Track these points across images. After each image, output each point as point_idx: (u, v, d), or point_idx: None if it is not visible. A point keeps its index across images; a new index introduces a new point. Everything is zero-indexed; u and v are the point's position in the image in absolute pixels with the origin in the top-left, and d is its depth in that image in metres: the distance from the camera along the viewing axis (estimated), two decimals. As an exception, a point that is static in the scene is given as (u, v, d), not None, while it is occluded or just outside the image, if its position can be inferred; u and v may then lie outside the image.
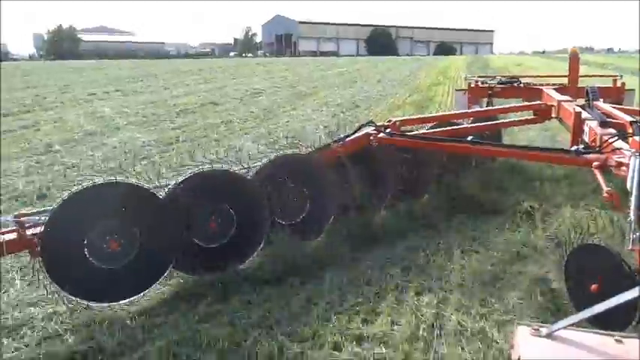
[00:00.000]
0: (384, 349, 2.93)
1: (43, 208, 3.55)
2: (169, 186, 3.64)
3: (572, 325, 1.27)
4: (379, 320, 3.21)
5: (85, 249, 3.24)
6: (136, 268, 3.38)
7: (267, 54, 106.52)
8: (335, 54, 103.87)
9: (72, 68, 38.52)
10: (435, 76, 26.02)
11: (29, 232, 3.18)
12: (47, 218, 3.13)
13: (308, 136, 9.54)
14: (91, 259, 3.25)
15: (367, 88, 20.08)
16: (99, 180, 3.30)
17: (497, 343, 2.91)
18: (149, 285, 3.47)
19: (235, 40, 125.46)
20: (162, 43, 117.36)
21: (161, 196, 3.55)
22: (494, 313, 3.24)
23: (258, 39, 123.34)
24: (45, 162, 7.92)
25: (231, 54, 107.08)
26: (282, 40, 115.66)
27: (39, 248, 3.11)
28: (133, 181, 3.47)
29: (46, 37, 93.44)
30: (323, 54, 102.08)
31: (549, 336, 1.24)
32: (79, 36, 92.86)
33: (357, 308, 3.36)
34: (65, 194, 3.18)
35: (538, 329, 1.27)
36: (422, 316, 3.25)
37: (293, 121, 11.69)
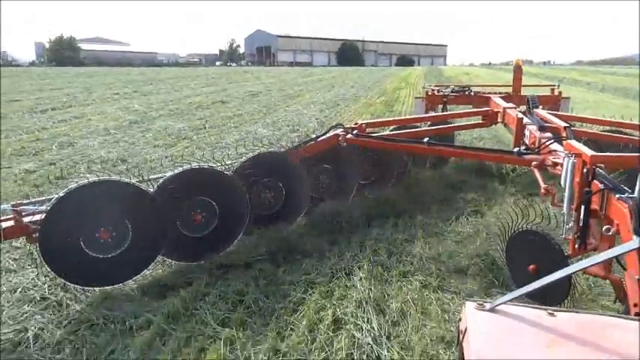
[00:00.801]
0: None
1: (38, 199, 3.51)
2: (160, 181, 3.56)
3: (512, 300, 1.27)
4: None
5: (81, 239, 3.16)
6: (127, 257, 3.30)
7: (250, 63, 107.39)
8: (309, 64, 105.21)
9: (79, 74, 38.98)
10: (398, 82, 27.90)
11: (26, 219, 3.12)
12: (47, 209, 3.05)
13: (304, 124, 11.27)
14: (86, 248, 3.18)
15: (343, 91, 21.69)
16: (95, 178, 3.24)
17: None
18: (138, 272, 3.43)
19: (220, 51, 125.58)
20: (155, 53, 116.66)
21: (150, 192, 3.44)
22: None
23: (241, 50, 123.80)
24: (109, 140, 9.34)
25: (217, 63, 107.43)
26: (263, 52, 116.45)
27: (37, 235, 3.05)
28: (124, 178, 3.41)
29: (47, 46, 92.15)
30: (298, 64, 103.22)
31: (492, 310, 1.26)
32: (78, 45, 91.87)
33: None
34: (62, 191, 3.11)
35: (482, 304, 1.28)
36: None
37: (289, 115, 13.21)
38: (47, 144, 8.86)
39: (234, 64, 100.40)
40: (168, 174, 3.59)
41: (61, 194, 3.03)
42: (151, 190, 3.45)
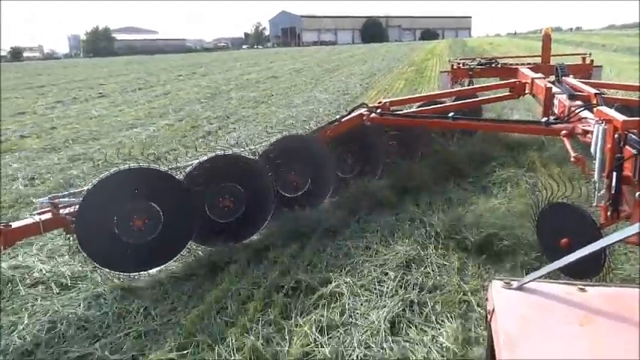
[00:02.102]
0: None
1: (74, 190, 3.61)
2: (187, 168, 3.62)
3: (540, 277, 1.20)
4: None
5: (115, 227, 3.22)
6: (159, 243, 3.35)
7: (276, 45, 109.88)
8: (333, 43, 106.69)
9: (128, 62, 42.19)
10: (425, 54, 30.07)
11: (62, 211, 3.19)
12: (80, 200, 3.12)
13: (351, 89, 13.92)
14: (120, 235, 3.24)
15: (376, 64, 24.13)
16: (127, 166, 3.29)
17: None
18: (171, 257, 3.46)
19: (246, 34, 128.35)
20: (184, 39, 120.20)
21: (180, 179, 3.49)
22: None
23: (266, 32, 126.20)
24: (206, 106, 12.20)
25: (244, 46, 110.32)
26: (288, 33, 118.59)
27: (73, 226, 3.10)
28: (155, 166, 3.45)
29: (84, 38, 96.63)
30: (323, 43, 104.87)
31: (520, 288, 1.19)
32: (113, 35, 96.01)
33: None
34: (95, 179, 3.18)
35: (509, 282, 1.22)
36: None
37: (335, 84, 15.81)
38: (162, 111, 11.78)
39: (260, 47, 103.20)
40: (195, 162, 3.67)
41: (92, 185, 3.12)
42: (181, 176, 3.54)
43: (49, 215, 3.13)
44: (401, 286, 3.10)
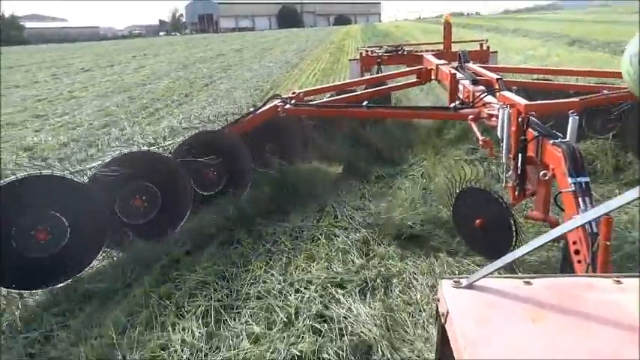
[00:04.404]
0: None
1: None
2: (92, 169, 3.40)
3: (489, 274, 1.19)
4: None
5: (13, 240, 2.96)
6: (69, 253, 3.11)
7: (193, 32, 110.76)
8: (251, 29, 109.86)
9: (53, 49, 43.47)
10: (342, 36, 35.38)
11: None
12: None
13: (289, 60, 18.57)
14: (20, 250, 2.98)
15: (302, 44, 28.91)
16: (22, 173, 3.00)
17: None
18: (85, 265, 3.23)
19: (160, 21, 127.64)
20: (97, 27, 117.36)
21: (83, 182, 3.25)
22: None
23: (183, 19, 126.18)
24: (186, 73, 16.23)
25: (161, 33, 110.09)
26: (205, 20, 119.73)
27: None
28: (53, 171, 3.18)
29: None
30: (241, 29, 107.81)
31: (470, 286, 1.19)
32: (21, 23, 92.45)
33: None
34: None
35: (458, 281, 1.22)
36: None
37: (275, 57, 20.42)
38: (155, 76, 15.69)
39: (178, 34, 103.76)
40: (106, 159, 3.47)
41: None
42: (86, 179, 3.30)
43: None
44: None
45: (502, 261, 1.22)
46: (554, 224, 2.81)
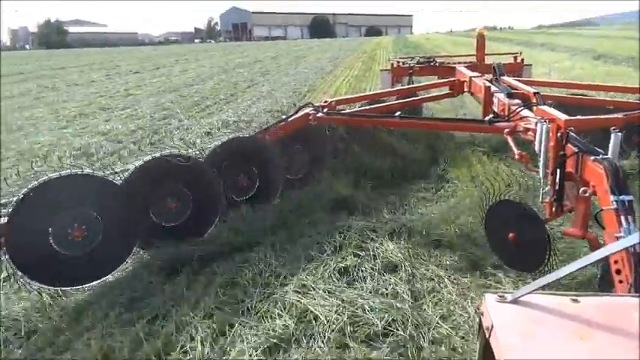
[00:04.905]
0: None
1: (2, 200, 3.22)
2: (127, 172, 3.45)
3: (535, 290, 1.19)
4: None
5: (50, 238, 3.03)
6: (101, 252, 3.17)
7: (227, 40, 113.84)
8: (283, 38, 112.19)
9: (98, 53, 45.44)
10: (373, 47, 36.09)
11: None
12: (10, 211, 2.88)
13: (323, 67, 19.55)
14: (56, 247, 3.05)
15: (334, 53, 29.46)
16: (60, 172, 3.07)
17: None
18: (116, 266, 3.30)
19: (196, 29, 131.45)
20: (135, 33, 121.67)
21: (118, 183, 3.34)
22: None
23: (218, 27, 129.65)
24: (227, 77, 17.36)
25: (196, 40, 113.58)
26: (239, 28, 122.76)
27: (3, 240, 2.89)
28: (91, 171, 3.26)
29: (35, 30, 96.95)
30: (273, 38, 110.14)
31: (514, 301, 1.19)
32: (65, 28, 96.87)
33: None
34: (25, 189, 2.95)
35: (503, 296, 1.22)
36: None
37: (309, 64, 20.98)
38: (200, 78, 16.96)
39: (212, 41, 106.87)
40: (137, 163, 3.54)
41: (20, 196, 2.92)
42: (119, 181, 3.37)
43: None
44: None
45: (547, 278, 1.23)
46: (594, 242, 2.77)
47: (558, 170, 2.82)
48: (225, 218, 3.86)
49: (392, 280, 3.07)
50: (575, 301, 1.20)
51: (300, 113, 4.66)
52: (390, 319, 2.65)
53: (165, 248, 3.47)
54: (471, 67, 6.50)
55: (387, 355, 2.43)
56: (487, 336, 1.17)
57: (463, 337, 2.53)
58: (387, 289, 2.99)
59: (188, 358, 2.49)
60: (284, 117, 4.86)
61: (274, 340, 2.54)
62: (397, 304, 2.78)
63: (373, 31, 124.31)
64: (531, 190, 3.71)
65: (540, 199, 2.98)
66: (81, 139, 7.79)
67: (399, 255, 3.36)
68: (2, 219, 2.90)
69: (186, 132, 7.82)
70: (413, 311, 2.72)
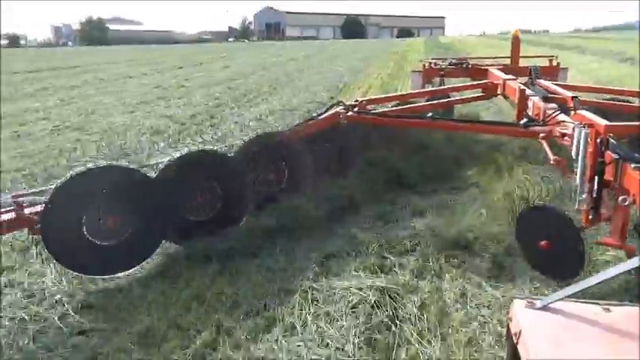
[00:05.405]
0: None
1: (38, 189, 3.47)
2: (160, 165, 3.53)
3: (566, 297, 1.18)
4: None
5: (84, 227, 3.12)
6: (131, 243, 3.27)
7: (261, 39, 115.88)
8: (315, 38, 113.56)
9: (147, 51, 47.47)
10: (405, 48, 36.80)
11: (27, 210, 3.04)
12: (47, 198, 3.00)
13: (355, 66, 20.51)
14: (89, 236, 3.14)
15: (367, 53, 30.32)
16: (93, 164, 3.25)
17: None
18: (145, 258, 3.37)
19: (229, 27, 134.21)
20: (171, 31, 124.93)
21: (152, 176, 3.41)
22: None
23: (251, 27, 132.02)
24: (267, 73, 18.55)
25: (230, 39, 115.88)
26: (272, 28, 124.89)
27: (39, 226, 2.98)
28: (126, 164, 3.43)
29: (77, 27, 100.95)
30: (306, 38, 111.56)
31: (544, 308, 1.18)
32: (106, 25, 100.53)
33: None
34: (61, 179, 3.10)
35: (532, 302, 1.21)
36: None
37: (343, 64, 21.86)
38: (243, 74, 18.23)
39: (246, 40, 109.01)
40: (173, 155, 3.67)
41: (59, 183, 3.04)
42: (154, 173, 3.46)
43: (12, 215, 2.97)
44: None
45: (579, 286, 1.20)
46: (631, 253, 2.69)
47: (596, 177, 2.72)
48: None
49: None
50: (607, 310, 1.17)
51: (331, 111, 4.71)
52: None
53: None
54: (505, 69, 6.40)
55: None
56: (515, 341, 1.15)
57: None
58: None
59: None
60: (314, 114, 4.94)
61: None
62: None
63: (405, 33, 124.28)
64: (559, 195, 3.70)
65: (576, 206, 2.87)
66: (149, 120, 9.05)
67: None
68: (38, 206, 3.08)
69: (240, 117, 8.99)
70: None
